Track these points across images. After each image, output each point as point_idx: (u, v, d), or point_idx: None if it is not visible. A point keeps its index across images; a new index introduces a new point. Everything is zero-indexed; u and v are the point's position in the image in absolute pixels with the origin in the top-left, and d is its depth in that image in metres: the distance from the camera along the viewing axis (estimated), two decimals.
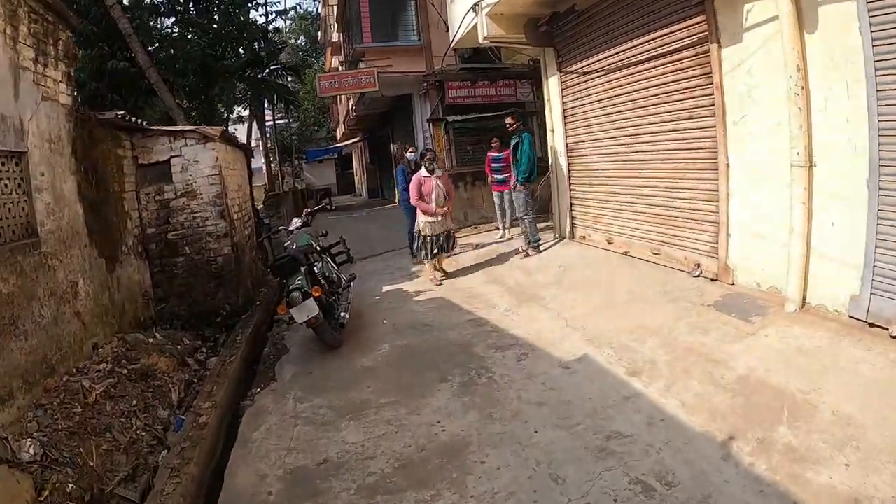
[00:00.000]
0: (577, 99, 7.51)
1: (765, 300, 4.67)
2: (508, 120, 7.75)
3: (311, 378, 4.83)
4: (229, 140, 7.57)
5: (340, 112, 23.96)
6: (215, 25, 12.50)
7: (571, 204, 8.08)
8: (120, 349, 4.93)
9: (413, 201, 7.20)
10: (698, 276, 5.55)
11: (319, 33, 31.48)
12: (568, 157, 7.95)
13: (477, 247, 9.26)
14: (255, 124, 18.31)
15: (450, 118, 10.83)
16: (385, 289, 7.44)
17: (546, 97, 8.25)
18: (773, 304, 4.54)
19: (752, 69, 4.62)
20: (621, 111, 6.58)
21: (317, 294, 4.86)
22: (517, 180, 7.72)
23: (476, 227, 11.31)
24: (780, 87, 4.28)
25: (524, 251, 7.88)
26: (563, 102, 7.85)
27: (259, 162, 17.33)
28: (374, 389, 4.41)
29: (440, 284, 7.14)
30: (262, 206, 13.59)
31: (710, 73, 5.11)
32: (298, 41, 35.47)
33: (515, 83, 13.29)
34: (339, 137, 28.60)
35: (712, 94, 5.14)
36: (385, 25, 13.14)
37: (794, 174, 4.27)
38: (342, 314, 5.44)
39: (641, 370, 4.07)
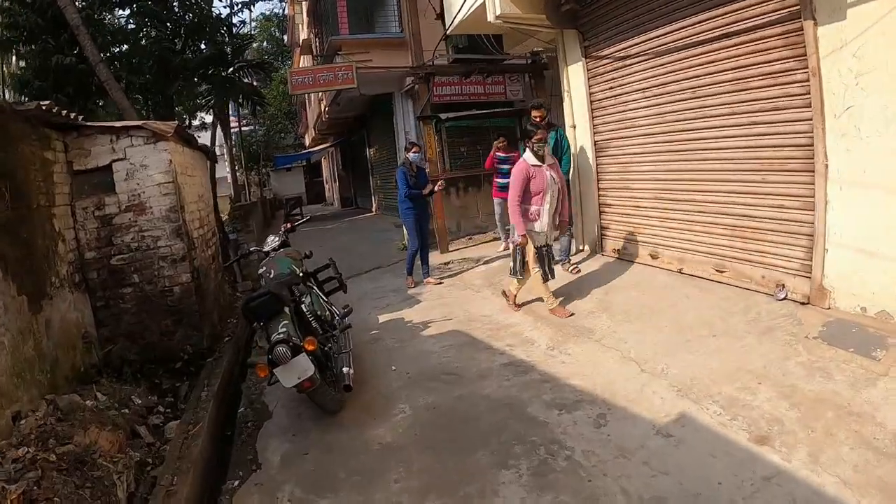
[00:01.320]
0: (611, 89, 6.35)
1: (877, 329, 3.75)
2: (535, 113, 6.21)
3: (308, 462, 3.46)
4: (187, 140, 6.15)
5: (310, 117, 22.50)
6: (174, 17, 10.98)
7: (601, 212, 6.91)
8: (48, 420, 3.58)
9: (513, 205, 5.18)
10: (783, 298, 4.51)
11: (286, 35, 29.94)
12: (596, 157, 6.80)
13: (480, 262, 8.06)
14: (219, 130, 16.68)
15: (443, 116, 9.52)
16: (382, 318, 6.12)
17: (565, 88, 7.08)
18: (889, 334, 3.66)
19: (861, 52, 3.71)
20: (674, 102, 5.47)
21: (311, 347, 3.50)
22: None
23: (471, 238, 10.11)
24: None
25: (574, 268, 6.52)
26: (590, 94, 6.69)
27: (224, 170, 15.73)
28: (405, 485, 3.08)
29: (569, 314, 5.29)
30: (227, 218, 12.08)
31: (804, 55, 4.11)
32: (263, 45, 33.67)
33: (505, 80, 12.20)
34: (308, 144, 27.05)
35: (807, 81, 4.13)
36: (363, 16, 11.89)
37: None
38: (344, 369, 4.00)
39: (770, 434, 3.00)
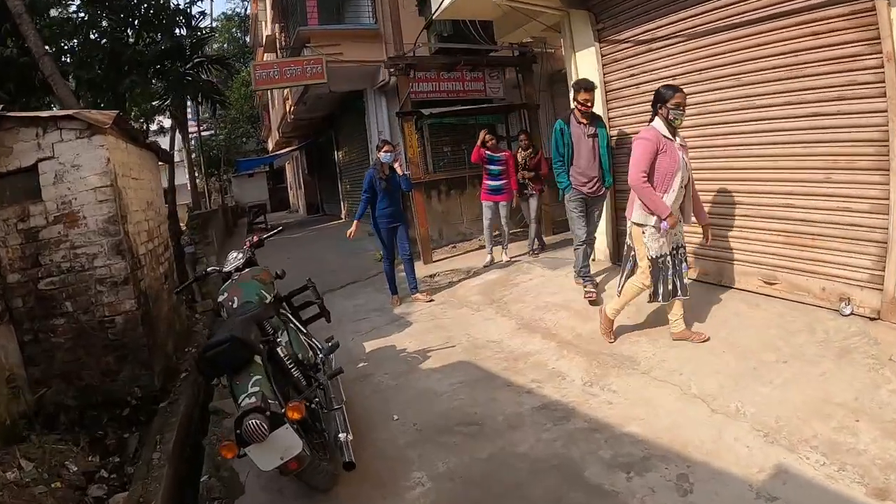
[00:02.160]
0: (632, 76, 5.56)
1: None
2: (584, 96, 4.96)
3: None
4: (131, 135, 5.12)
5: (273, 119, 21.27)
6: (127, 4, 9.83)
7: (616, 217, 6.10)
8: None
9: (639, 181, 3.79)
10: (850, 314, 3.90)
11: (248, 36, 28.48)
12: (611, 154, 5.93)
13: (471, 274, 7.20)
14: (178, 134, 15.34)
15: (425, 111, 8.58)
16: (368, 346, 5.18)
17: (573, 76, 6.24)
18: None
19: None
20: (714, 90, 4.74)
21: (296, 415, 2.49)
22: (604, 184, 5.31)
23: (455, 247, 9.25)
24: None
25: (589, 291, 5.30)
26: (605, 82, 5.89)
27: (184, 177, 14.41)
28: None
29: (704, 340, 4.07)
30: (185, 228, 10.90)
31: (877, 38, 3.54)
32: (224, 46, 31.97)
33: (485, 77, 11.40)
34: (271, 148, 25.75)
35: (880, 68, 3.56)
36: (333, 6, 10.94)
37: None
38: (341, 436, 2.92)
39: (889, 486, 2.42)
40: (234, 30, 34.00)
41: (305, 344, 3.42)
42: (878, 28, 3.53)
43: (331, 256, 10.15)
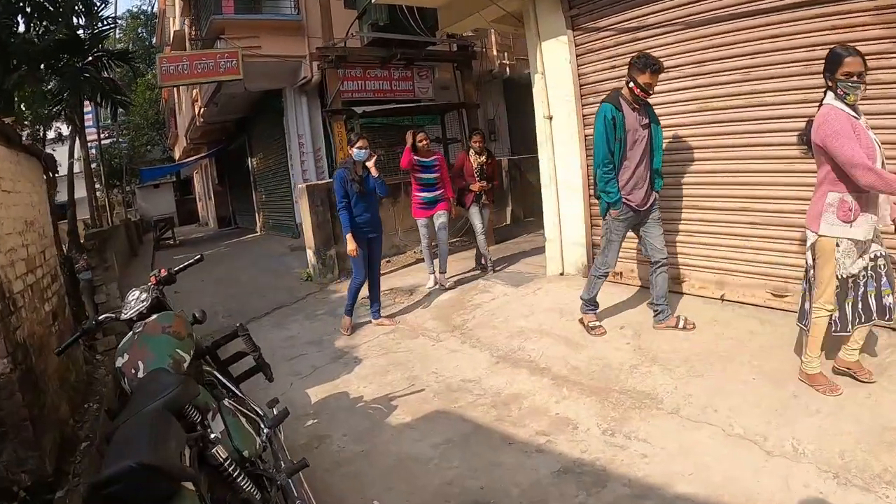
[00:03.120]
0: (613, 69, 4.96)
1: None
2: (652, 79, 3.81)
3: None
4: (4, 135, 3.92)
5: (181, 124, 19.48)
6: None
7: (593, 226, 5.48)
8: None
9: (861, 164, 2.76)
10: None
11: (155, 37, 26.08)
12: (587, 155, 5.36)
13: (415, 293, 6.37)
14: (77, 143, 13.36)
15: (358, 109, 7.66)
16: (313, 393, 4.17)
17: (538, 70, 5.61)
18: None
19: None
20: (717, 85, 4.29)
21: None
22: (654, 188, 4.20)
23: (389, 261, 8.31)
24: None
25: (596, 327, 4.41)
26: (579, 75, 5.26)
27: (82, 190, 12.55)
28: None
29: (838, 390, 3.10)
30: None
31: None
32: (129, 47, 28.99)
33: (413, 76, 10.70)
34: (178, 156, 23.71)
35: None
36: None
37: None
38: None
39: None
40: (139, 29, 31.18)
41: (250, 432, 2.37)
42: None
43: (250, 277, 8.97)
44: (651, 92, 3.87)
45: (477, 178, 6.49)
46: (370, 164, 5.13)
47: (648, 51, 4.56)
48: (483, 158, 6.57)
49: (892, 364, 3.29)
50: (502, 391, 3.77)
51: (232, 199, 20.77)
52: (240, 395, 2.78)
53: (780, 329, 3.86)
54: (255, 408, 2.72)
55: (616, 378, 3.68)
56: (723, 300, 4.46)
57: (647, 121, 4.00)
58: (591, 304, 4.38)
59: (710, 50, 4.27)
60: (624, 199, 4.00)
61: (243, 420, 2.31)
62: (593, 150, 3.98)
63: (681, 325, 4.13)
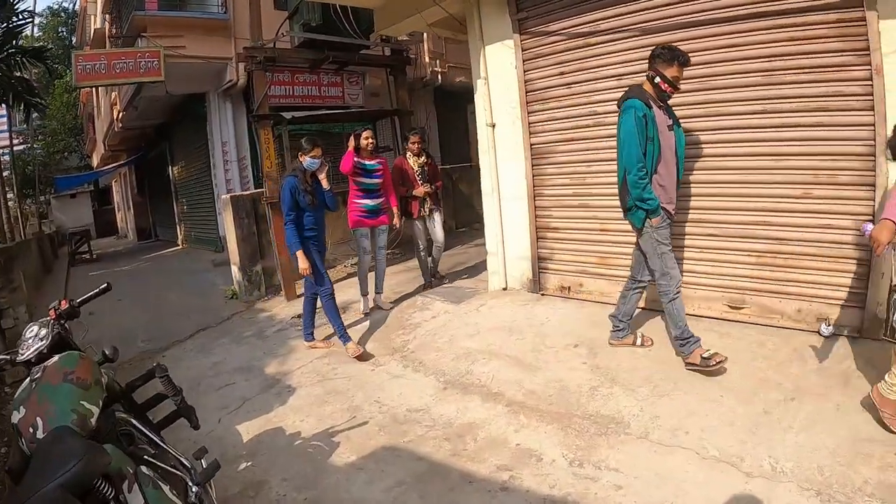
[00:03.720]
0: (562, 75, 4.79)
1: None
2: (680, 72, 3.41)
3: None
4: None
5: (99, 129, 18.13)
6: None
7: (538, 239, 5.27)
8: None
9: None
10: (830, 334, 3.71)
11: (74, 36, 24.24)
12: (532, 165, 5.17)
13: (347, 311, 5.83)
14: None
15: (286, 115, 7.16)
16: (247, 430, 3.66)
17: (481, 75, 5.36)
18: None
19: None
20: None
21: None
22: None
23: None
24: None
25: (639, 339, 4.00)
26: (526, 81, 5.04)
27: None
28: None
29: None
30: None
31: (866, 49, 3.38)
32: (48, 47, 26.70)
33: (343, 82, 10.32)
34: (96, 164, 22.11)
35: (868, 80, 3.40)
36: None
37: None
38: None
39: None
40: (60, 28, 29.05)
41: (172, 500, 1.90)
42: (867, 39, 3.37)
43: (172, 295, 8.24)
44: (679, 88, 3.47)
45: (420, 182, 5.93)
46: (322, 175, 4.62)
47: (599, 57, 4.49)
48: (423, 160, 5.99)
49: (853, 374, 3.29)
50: (454, 421, 3.42)
51: (152, 210, 19.53)
52: (162, 445, 2.31)
53: (739, 342, 3.80)
54: (181, 459, 2.27)
55: (576, 402, 3.42)
56: None
57: (671, 122, 3.55)
58: (688, 338, 3.55)
59: None
60: (662, 206, 3.48)
61: (166, 489, 1.87)
62: (622, 151, 3.42)
63: (638, 342, 3.93)
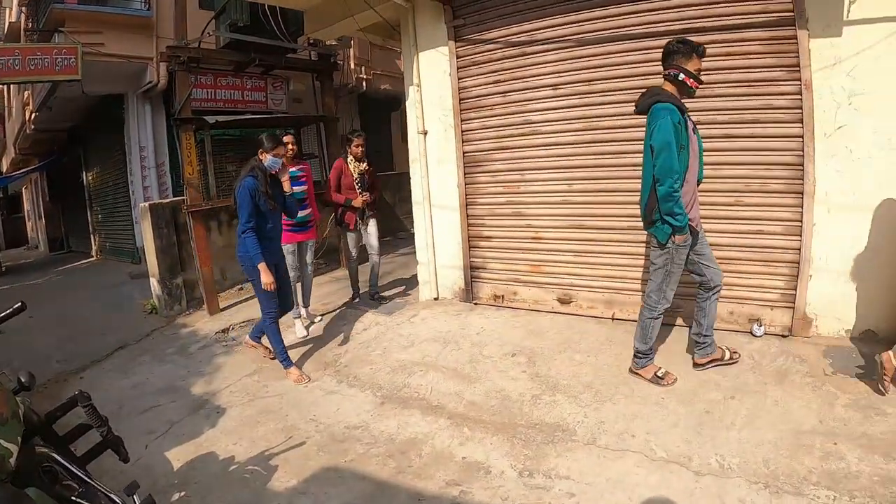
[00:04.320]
0: (498, 83, 4.79)
1: (871, 349, 3.52)
2: (697, 65, 3.16)
3: None
4: None
5: (9, 131, 16.78)
6: None
7: (471, 248, 5.25)
8: None
9: None
10: (762, 334, 3.92)
11: None
12: (465, 173, 5.14)
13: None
14: None
15: (209, 119, 6.78)
16: (177, 457, 3.39)
17: (413, 82, 5.28)
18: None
19: (856, 72, 3.50)
20: (610, 104, 4.29)
21: None
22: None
23: (242, 289, 7.42)
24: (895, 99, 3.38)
25: (727, 353, 3.64)
26: (460, 89, 5.01)
27: None
28: None
29: None
30: None
31: (796, 65, 3.62)
32: None
33: (267, 86, 10.01)
34: (6, 168, 20.41)
35: (797, 94, 3.64)
36: None
37: None
38: None
39: None
40: None
41: None
42: (797, 56, 3.58)
43: (88, 311, 7.66)
44: (702, 81, 3.21)
45: (359, 191, 5.49)
46: (284, 177, 4.21)
47: (535, 66, 4.53)
48: (364, 166, 5.54)
49: (789, 370, 3.47)
50: (396, 437, 3.32)
51: (65, 220, 18.22)
52: (89, 481, 2.07)
53: (675, 346, 3.91)
54: (111, 496, 2.05)
55: (520, 411, 3.40)
56: (613, 319, 4.43)
57: (692, 125, 3.29)
58: (648, 354, 3.53)
59: (602, 69, 4.25)
60: (689, 221, 3.23)
61: None
62: (657, 159, 3.09)
63: (727, 356, 3.60)
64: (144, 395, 4.42)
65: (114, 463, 2.60)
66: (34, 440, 2.06)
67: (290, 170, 4.73)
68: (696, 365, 3.57)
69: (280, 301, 4.28)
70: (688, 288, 3.77)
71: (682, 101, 3.17)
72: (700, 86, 3.20)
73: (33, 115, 11.44)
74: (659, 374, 3.47)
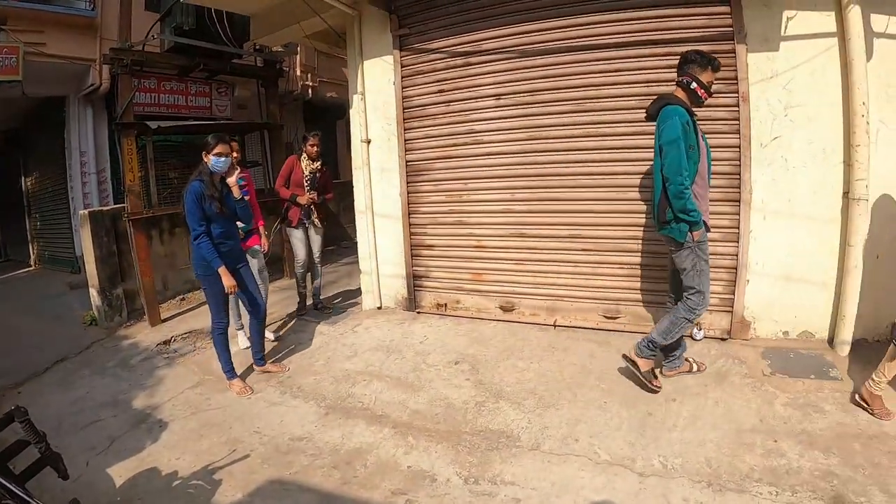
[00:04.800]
0: (442, 93, 4.85)
1: (808, 349, 3.86)
2: (709, 77, 3.28)
3: None
4: None
5: None
6: None
7: (413, 256, 5.27)
8: None
9: None
10: (702, 338, 4.10)
11: None
12: (408, 182, 5.16)
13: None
14: None
15: (152, 124, 6.59)
16: (119, 473, 3.27)
17: (357, 90, 5.28)
18: (821, 351, 3.82)
19: (791, 85, 3.73)
20: (552, 114, 4.39)
21: None
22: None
23: (184, 299, 7.21)
24: (828, 112, 3.65)
25: (695, 365, 3.71)
26: (404, 98, 5.04)
27: None
28: None
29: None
30: None
31: (735, 78, 3.82)
32: None
33: (211, 92, 9.84)
34: None
35: (735, 106, 3.85)
36: None
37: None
38: None
39: (842, 492, 2.49)
40: None
41: None
42: (735, 69, 3.76)
43: (24, 323, 7.31)
44: (712, 93, 3.33)
45: (307, 189, 5.35)
46: (231, 180, 4.00)
47: (479, 76, 4.59)
48: (317, 165, 5.42)
49: (729, 371, 3.65)
50: (340, 447, 3.31)
51: (2, 227, 17.42)
52: (28, 499, 2.00)
53: (618, 350, 3.97)
54: None
55: (464, 419, 3.44)
56: (556, 326, 4.53)
57: (700, 132, 3.35)
58: (656, 349, 3.46)
59: (545, 80, 4.34)
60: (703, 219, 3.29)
61: None
62: (665, 159, 3.15)
63: (694, 368, 3.68)
64: (85, 409, 4.27)
65: (54, 480, 2.53)
66: None
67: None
68: (666, 374, 3.64)
69: (250, 306, 4.22)
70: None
71: (702, 104, 3.31)
72: (709, 97, 3.30)
73: None
74: (654, 373, 3.47)
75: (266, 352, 4.63)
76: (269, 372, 4.43)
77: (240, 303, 4.80)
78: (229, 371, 4.22)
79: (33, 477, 2.34)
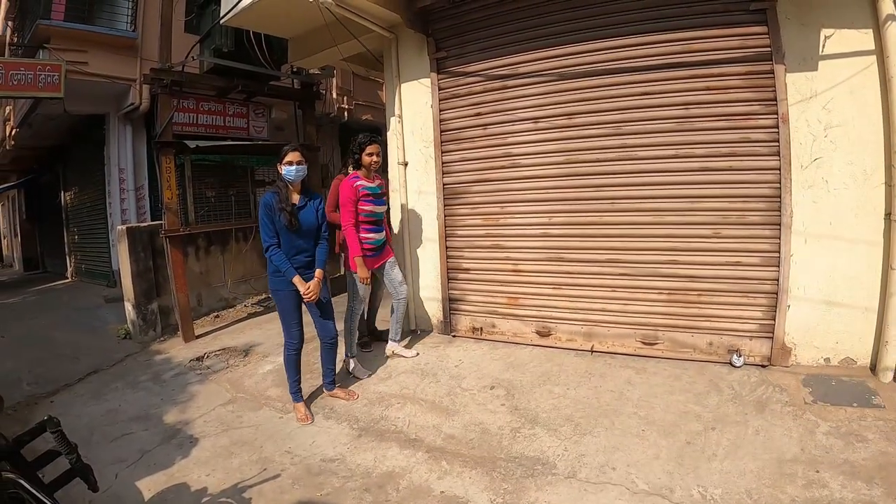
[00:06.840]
0: (478, 116, 4.83)
1: (850, 376, 3.72)
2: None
3: None
4: None
5: None
6: None
7: (449, 280, 5.24)
8: None
9: None
10: (742, 364, 3.99)
11: None
12: (444, 205, 5.15)
13: (251, 353, 5.55)
14: None
15: (190, 143, 6.73)
16: (147, 487, 3.28)
17: (395, 113, 5.31)
18: (863, 377, 3.68)
19: (831, 105, 3.63)
20: (589, 138, 4.35)
21: None
22: None
23: (218, 316, 7.34)
24: (869, 131, 3.54)
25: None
26: (441, 121, 5.05)
27: None
28: None
29: None
30: None
31: (773, 99, 3.73)
32: None
33: (249, 113, 10.03)
34: None
35: (774, 128, 3.75)
36: (85, 3, 8.52)
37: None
38: None
39: None
40: None
41: None
42: (774, 90, 3.69)
43: (60, 334, 7.50)
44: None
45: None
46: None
47: (515, 100, 4.61)
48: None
49: (769, 399, 3.53)
50: (373, 470, 3.26)
51: (41, 239, 17.88)
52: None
53: (655, 377, 3.93)
54: None
55: (499, 445, 3.36)
56: (592, 351, 4.44)
57: None
58: None
59: (582, 103, 4.32)
60: None
61: None
62: None
63: None
64: (116, 422, 4.30)
65: (82, 491, 2.52)
66: (1, 465, 2.01)
67: (371, 185, 4.33)
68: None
69: (297, 331, 3.94)
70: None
71: None
72: None
73: (14, 132, 11.29)
74: None
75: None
76: (336, 398, 4.23)
77: (353, 327, 4.67)
78: (295, 393, 4.09)
79: (62, 487, 2.34)
